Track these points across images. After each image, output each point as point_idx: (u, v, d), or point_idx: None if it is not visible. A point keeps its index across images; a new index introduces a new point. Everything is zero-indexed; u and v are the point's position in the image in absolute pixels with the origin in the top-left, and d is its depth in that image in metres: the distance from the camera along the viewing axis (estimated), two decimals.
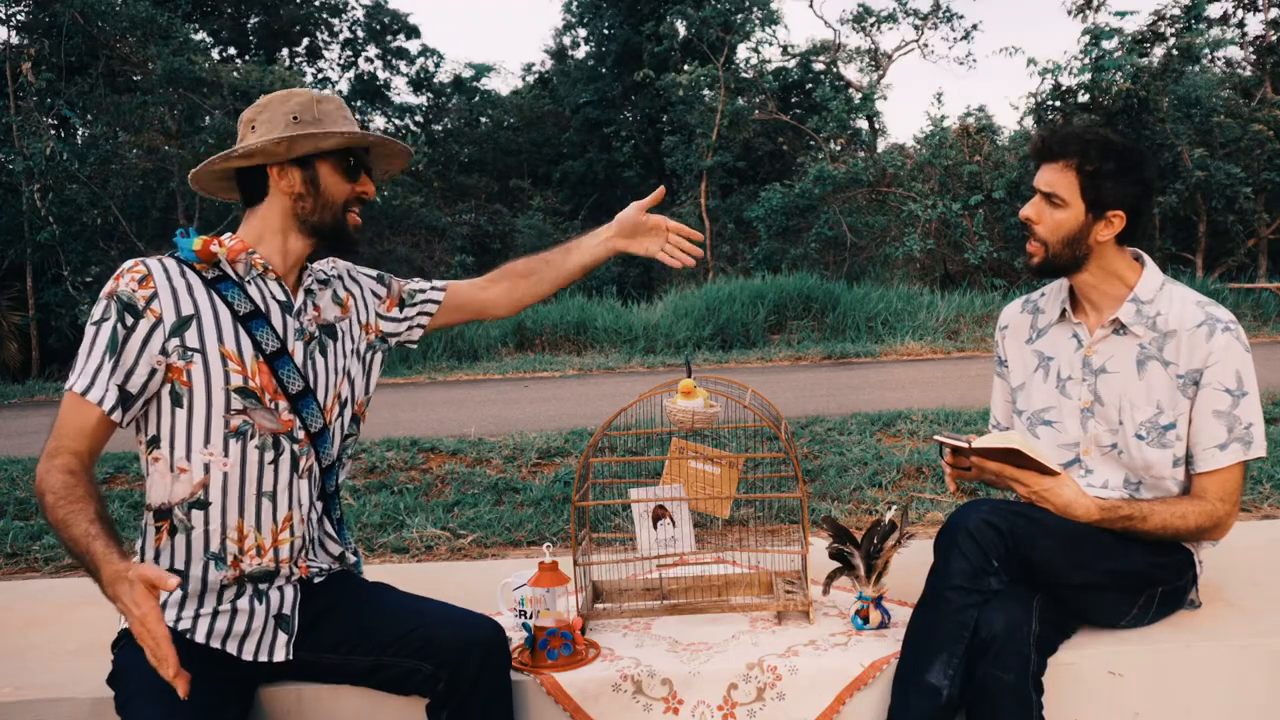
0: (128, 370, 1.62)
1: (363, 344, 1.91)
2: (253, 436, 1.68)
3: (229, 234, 1.78)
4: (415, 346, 2.07)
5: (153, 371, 1.64)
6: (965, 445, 1.86)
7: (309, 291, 1.84)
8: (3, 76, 13.48)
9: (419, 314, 2.01)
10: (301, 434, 1.74)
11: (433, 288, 2.03)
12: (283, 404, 1.71)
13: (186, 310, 1.66)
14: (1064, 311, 2.05)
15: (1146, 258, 2.02)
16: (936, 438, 1.96)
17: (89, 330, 1.64)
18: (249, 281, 1.74)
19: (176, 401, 1.66)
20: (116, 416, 1.62)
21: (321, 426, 1.77)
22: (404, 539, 4.46)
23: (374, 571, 2.28)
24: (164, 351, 1.63)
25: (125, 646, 1.68)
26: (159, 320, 1.63)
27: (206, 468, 1.66)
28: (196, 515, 1.67)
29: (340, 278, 1.94)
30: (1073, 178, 1.89)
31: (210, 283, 1.70)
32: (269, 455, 1.69)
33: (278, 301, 1.77)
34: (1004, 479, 1.90)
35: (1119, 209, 1.90)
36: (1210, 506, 1.90)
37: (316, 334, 1.81)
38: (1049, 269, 1.97)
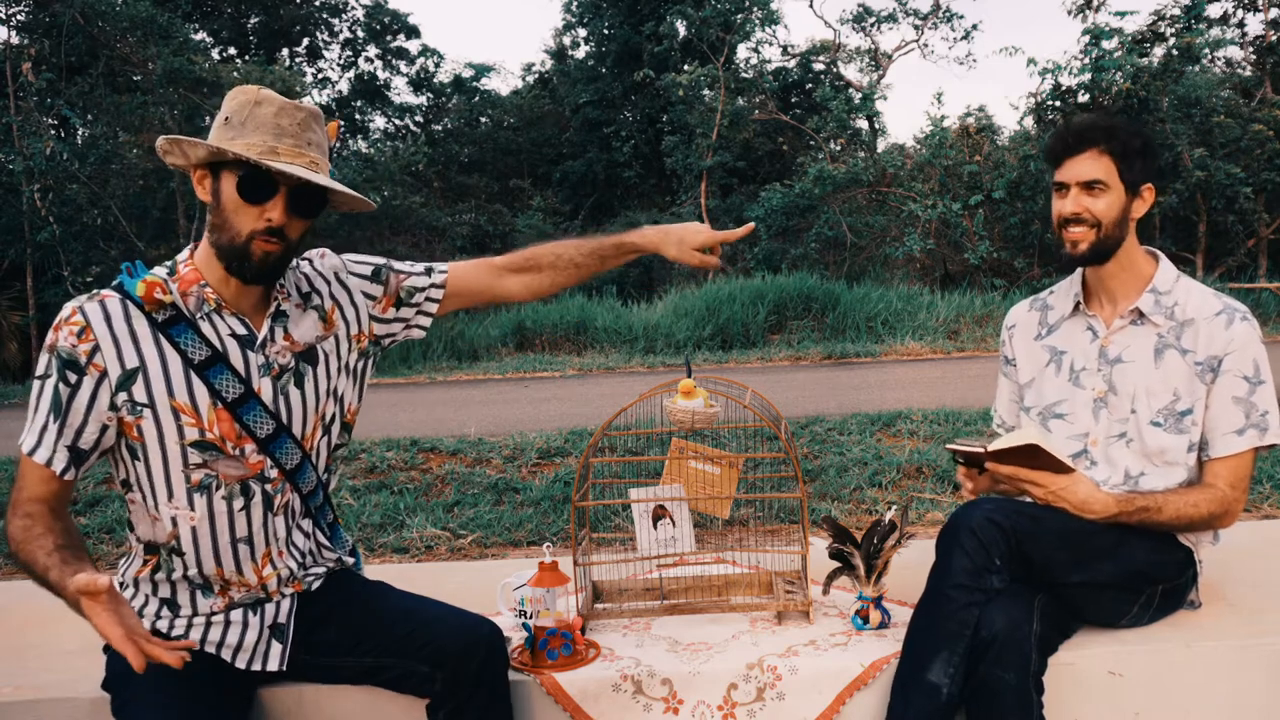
0: (76, 429, 1.55)
1: (352, 356, 1.79)
2: (219, 488, 1.60)
3: (185, 252, 1.65)
4: (423, 334, 1.90)
5: (104, 428, 1.57)
6: (981, 450, 1.85)
7: (279, 316, 1.68)
8: (3, 76, 13.49)
9: (418, 313, 1.86)
10: (274, 473, 1.65)
11: (432, 285, 1.85)
12: (249, 447, 1.62)
13: (131, 363, 1.55)
14: (1078, 305, 2.07)
15: (1160, 253, 2.06)
16: (950, 446, 1.94)
17: (34, 385, 1.56)
18: (202, 318, 1.60)
19: (134, 454, 1.59)
20: (70, 476, 1.57)
21: (299, 460, 1.69)
22: (404, 539, 4.46)
23: (374, 571, 2.28)
24: (113, 407, 1.55)
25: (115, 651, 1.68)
26: (103, 374, 1.54)
27: (174, 521, 1.61)
28: (175, 560, 1.64)
29: (328, 282, 1.79)
30: (1109, 162, 1.94)
31: (161, 325, 1.57)
32: (238, 504, 1.62)
33: (237, 337, 1.63)
34: (1018, 482, 1.88)
35: (1149, 183, 1.98)
36: (1221, 493, 1.92)
37: (291, 364, 1.67)
38: (1097, 253, 1.97)
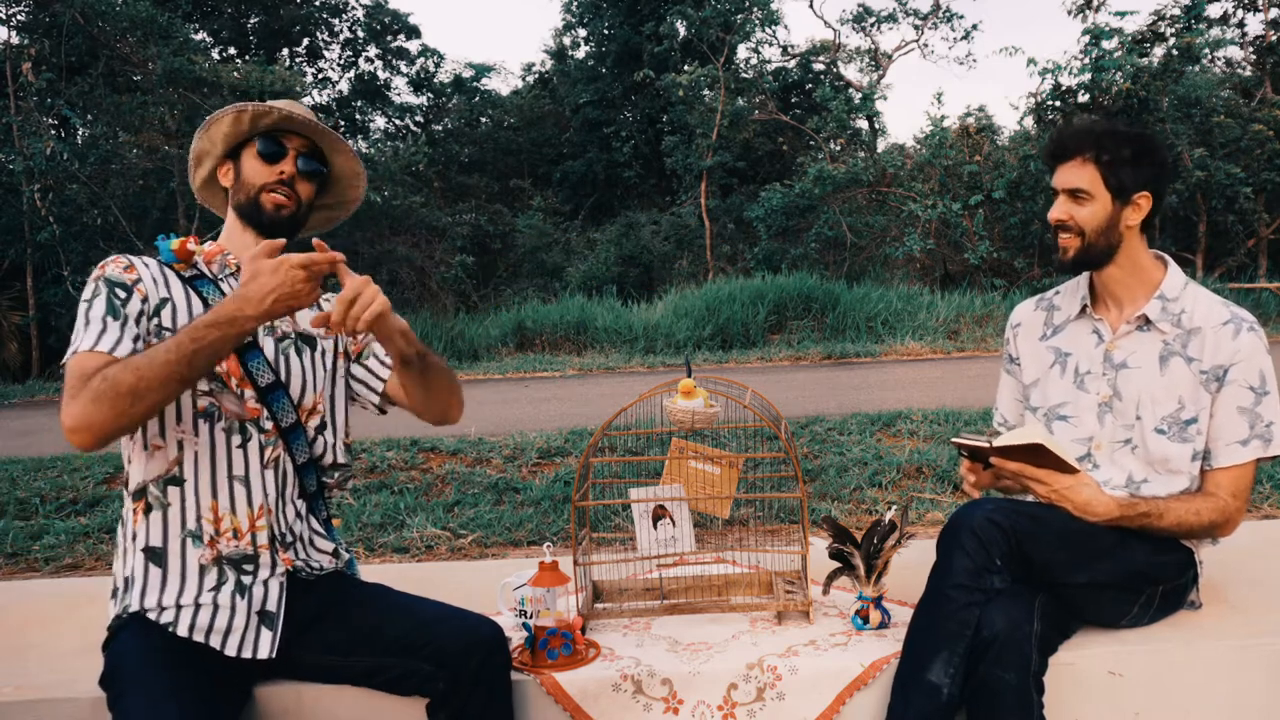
0: (132, 332, 1.66)
1: (341, 372, 1.94)
2: (219, 419, 1.72)
3: (211, 239, 1.86)
4: (379, 413, 2.01)
5: (146, 341, 1.68)
6: (986, 445, 1.85)
7: None
8: (3, 76, 13.49)
9: (365, 386, 1.95)
10: (269, 424, 1.77)
11: (382, 364, 1.94)
12: (249, 392, 1.75)
13: (163, 294, 1.74)
14: (1084, 307, 2.06)
15: (1168, 258, 2.05)
16: (955, 440, 1.94)
17: (82, 308, 1.67)
18: (223, 279, 1.82)
19: None
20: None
21: (294, 422, 1.81)
22: (404, 539, 4.46)
23: (374, 571, 2.29)
24: (147, 330, 1.70)
25: (115, 646, 1.68)
26: (145, 298, 1.71)
27: (180, 445, 1.71)
28: (172, 492, 1.71)
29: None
30: (1093, 170, 1.93)
31: (187, 280, 1.78)
32: (236, 439, 1.74)
33: None
34: (1023, 479, 1.89)
35: (1143, 191, 1.94)
36: (1223, 503, 1.92)
37: (291, 335, 1.86)
38: (1085, 260, 1.98)
